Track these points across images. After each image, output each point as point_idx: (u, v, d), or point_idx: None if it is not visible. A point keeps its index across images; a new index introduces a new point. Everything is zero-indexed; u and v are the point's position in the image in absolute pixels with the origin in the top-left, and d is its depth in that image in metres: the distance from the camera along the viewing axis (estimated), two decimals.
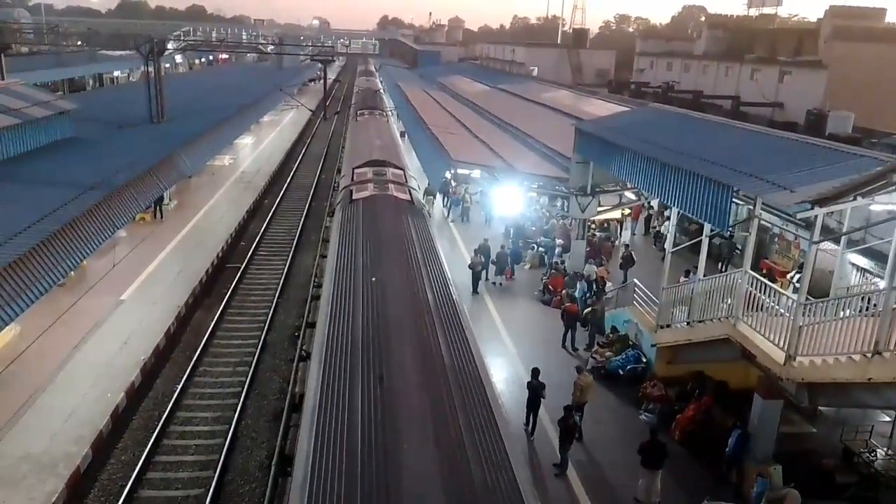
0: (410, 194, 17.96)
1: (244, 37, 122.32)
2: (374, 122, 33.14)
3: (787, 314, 12.92)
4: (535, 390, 14.78)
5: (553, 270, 23.89)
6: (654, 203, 29.21)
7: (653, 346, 17.05)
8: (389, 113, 42.55)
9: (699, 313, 15.49)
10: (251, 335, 19.48)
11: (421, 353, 8.56)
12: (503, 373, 17.17)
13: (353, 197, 16.82)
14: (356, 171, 20.06)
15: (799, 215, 13.07)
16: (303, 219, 31.81)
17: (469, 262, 23.18)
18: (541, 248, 26.31)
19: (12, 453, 13.23)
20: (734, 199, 13.56)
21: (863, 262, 17.37)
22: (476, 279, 22.82)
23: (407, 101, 48.09)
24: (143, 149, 23.71)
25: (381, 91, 58.51)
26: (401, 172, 20.51)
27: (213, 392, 16.44)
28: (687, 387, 15.82)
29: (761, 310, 13.80)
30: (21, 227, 14.08)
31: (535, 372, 14.99)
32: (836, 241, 16.00)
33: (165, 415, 15.04)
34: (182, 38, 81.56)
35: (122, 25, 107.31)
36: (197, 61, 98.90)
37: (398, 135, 35.50)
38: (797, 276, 20.72)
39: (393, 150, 25.37)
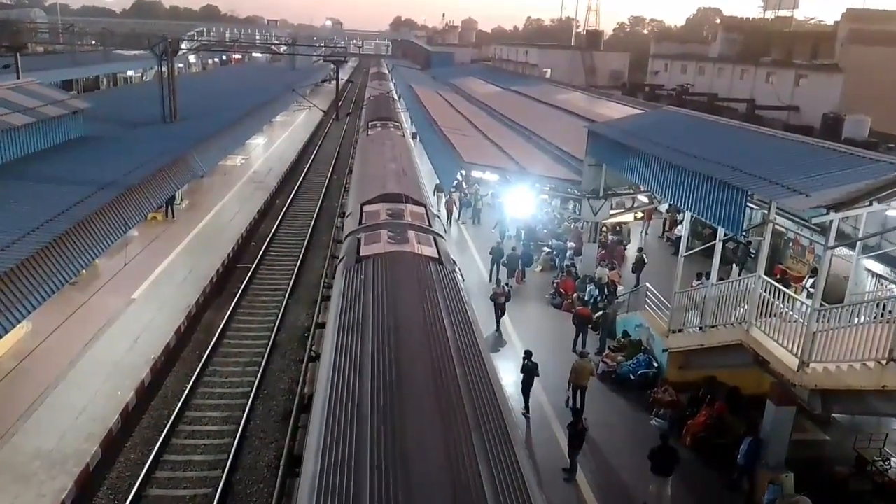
0: (436, 245, 13.45)
1: (257, 37, 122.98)
2: (389, 138, 27.60)
3: (801, 320, 12.77)
4: (530, 371, 15.73)
5: (564, 273, 23.77)
6: (663, 208, 29.05)
7: (664, 350, 16.91)
8: (406, 125, 37.19)
9: (712, 318, 15.35)
10: (261, 335, 19.51)
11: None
12: (512, 376, 17.06)
13: (362, 252, 12.53)
14: (366, 209, 15.82)
15: (814, 220, 12.94)
16: (314, 219, 31.85)
17: (491, 292, 20.50)
18: (552, 251, 26.20)
19: (24, 450, 13.30)
20: (748, 203, 13.43)
21: (878, 268, 17.19)
22: (500, 312, 20.17)
23: (419, 103, 48.06)
24: (156, 148, 23.80)
25: (396, 97, 52.92)
26: (422, 211, 16.21)
27: (222, 392, 16.47)
28: (699, 392, 15.68)
29: (775, 315, 13.67)
30: (34, 225, 14.15)
31: (529, 353, 15.99)
32: (852, 247, 15.82)
33: (175, 414, 15.08)
34: (196, 38, 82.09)
35: (136, 25, 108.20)
36: (210, 61, 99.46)
37: (415, 153, 29.96)
38: (811, 280, 20.56)
39: (412, 178, 20.56)
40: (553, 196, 26.39)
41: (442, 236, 15.11)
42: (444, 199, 31.33)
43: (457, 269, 13.14)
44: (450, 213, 30.66)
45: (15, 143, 20.63)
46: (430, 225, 15.11)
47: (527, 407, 15.66)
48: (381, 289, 10.62)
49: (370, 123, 31.78)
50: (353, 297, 10.56)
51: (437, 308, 10.03)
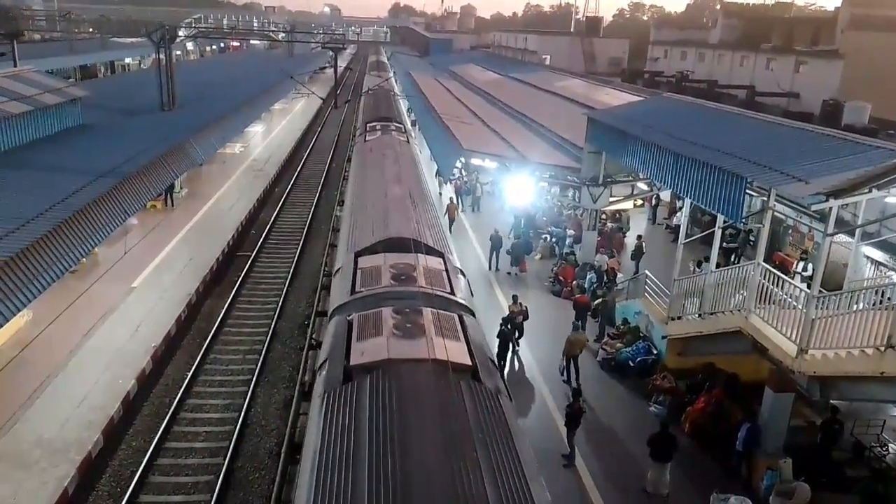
0: (465, 335, 8.86)
1: (255, 24, 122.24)
2: (391, 148, 21.64)
3: (800, 307, 12.81)
4: (506, 336, 16.84)
5: (563, 261, 23.81)
6: (664, 196, 29.04)
7: (663, 337, 16.97)
8: (409, 126, 30.40)
9: (711, 305, 15.39)
10: (261, 323, 19.54)
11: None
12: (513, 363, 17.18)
13: (352, 358, 8.19)
14: (361, 264, 11.31)
15: (813, 207, 12.93)
16: (313, 207, 31.82)
17: (506, 313, 18.40)
18: (552, 239, 26.23)
19: (26, 438, 13.36)
20: (748, 191, 13.42)
21: (877, 254, 17.20)
22: (517, 332, 18.06)
23: (418, 90, 47.89)
24: (154, 136, 23.74)
25: (398, 93, 45.95)
26: (441, 266, 11.44)
27: (223, 380, 16.51)
28: (697, 379, 15.74)
29: (774, 302, 13.70)
30: (33, 214, 14.14)
31: (505, 320, 17.23)
32: (851, 234, 15.83)
33: (176, 401, 15.13)
34: (193, 25, 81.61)
35: (133, 12, 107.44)
36: (208, 48, 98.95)
37: (423, 167, 23.41)
38: (800, 264, 20.61)
39: (425, 208, 15.25)
40: (552, 183, 26.38)
41: (472, 311, 10.40)
42: (445, 186, 31.01)
43: (502, 386, 8.29)
44: (452, 220, 27.62)
45: (13, 132, 20.56)
46: (452, 291, 10.51)
47: (501, 372, 15.88)
48: (382, 446, 6.34)
49: (368, 125, 26.55)
50: (336, 461, 6.32)
51: (479, 484, 5.87)
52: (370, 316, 9.03)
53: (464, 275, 12.10)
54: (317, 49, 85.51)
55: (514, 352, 17.73)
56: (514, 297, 18.80)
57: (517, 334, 18.03)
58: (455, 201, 30.70)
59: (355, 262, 11.35)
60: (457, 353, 8.19)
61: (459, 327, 9.02)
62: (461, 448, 6.31)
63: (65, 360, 16.32)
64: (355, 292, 10.20)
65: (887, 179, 11.85)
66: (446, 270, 11.25)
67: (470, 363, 8.14)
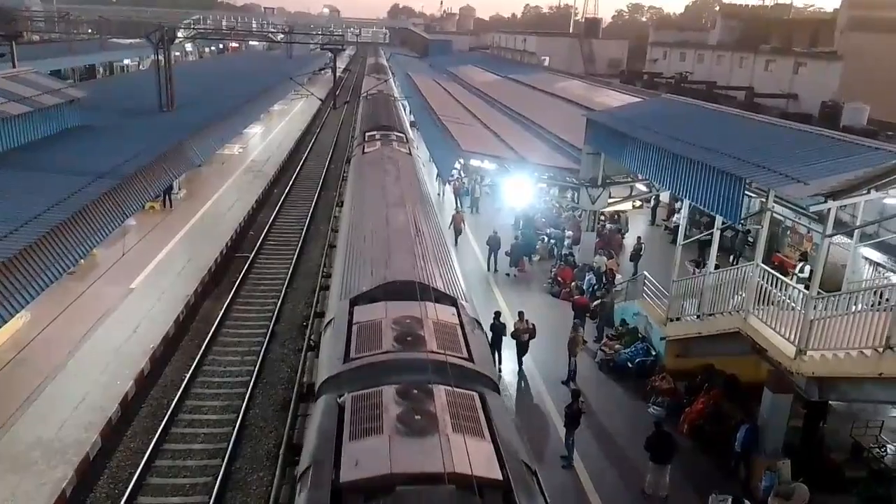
0: (494, 438, 6.75)
1: (254, 25, 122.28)
2: (392, 162, 19.07)
3: (799, 308, 12.81)
4: (498, 330, 16.84)
5: (562, 262, 23.81)
6: (664, 197, 29.04)
7: (662, 339, 16.95)
8: (411, 136, 27.48)
9: (709, 306, 15.39)
10: (260, 324, 19.52)
11: None
12: (512, 364, 17.16)
13: (342, 475, 6.15)
14: (357, 315, 9.33)
15: (812, 208, 12.93)
16: (312, 208, 31.82)
17: (513, 328, 17.32)
18: (551, 240, 26.24)
19: (23, 439, 13.33)
20: (747, 192, 13.43)
21: (876, 256, 17.21)
22: (522, 351, 17.19)
23: (417, 91, 47.90)
24: (153, 137, 23.72)
25: (398, 97, 43.08)
26: (454, 319, 9.42)
27: (221, 381, 16.49)
28: (696, 380, 15.74)
29: (772, 303, 13.70)
30: (32, 216, 14.12)
31: (497, 314, 17.17)
32: (850, 235, 15.84)
33: (174, 403, 15.11)
34: (192, 26, 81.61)
35: (132, 13, 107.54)
36: (207, 49, 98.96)
37: (426, 181, 20.47)
38: (800, 265, 20.60)
39: (431, 243, 12.62)
40: (551, 185, 26.39)
41: (495, 383, 8.41)
42: (443, 189, 31.00)
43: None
44: (459, 232, 26.14)
45: (11, 133, 20.55)
46: (469, 355, 8.44)
47: (498, 365, 16.26)
48: None
49: (366, 135, 23.94)
50: None
51: None
52: (367, 398, 7.15)
53: (480, 326, 10.09)
54: (315, 50, 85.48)
55: (519, 371, 17.01)
56: (520, 314, 17.33)
57: (523, 351, 17.07)
58: (455, 203, 30.74)
59: (350, 314, 9.37)
60: (482, 460, 6.21)
61: (482, 414, 7.05)
62: None
63: (63, 361, 16.29)
64: (349, 359, 8.21)
65: (886, 181, 11.86)
66: (460, 324, 9.28)
67: (500, 477, 6.09)
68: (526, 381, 16.84)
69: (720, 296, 15.15)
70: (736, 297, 14.63)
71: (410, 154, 21.82)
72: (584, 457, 13.72)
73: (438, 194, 31.32)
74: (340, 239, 14.49)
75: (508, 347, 17.19)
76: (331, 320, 9.89)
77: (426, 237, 12.67)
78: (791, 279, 17.19)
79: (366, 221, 13.80)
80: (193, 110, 31.30)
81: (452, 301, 10.02)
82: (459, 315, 9.56)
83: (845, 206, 13.43)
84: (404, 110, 41.14)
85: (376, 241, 12.25)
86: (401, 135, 24.42)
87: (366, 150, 21.38)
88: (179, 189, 31.02)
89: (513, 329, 17.18)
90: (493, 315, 17.00)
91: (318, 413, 7.47)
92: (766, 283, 13.75)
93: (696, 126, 18.24)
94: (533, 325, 17.14)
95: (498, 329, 16.97)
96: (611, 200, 23.31)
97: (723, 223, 15.70)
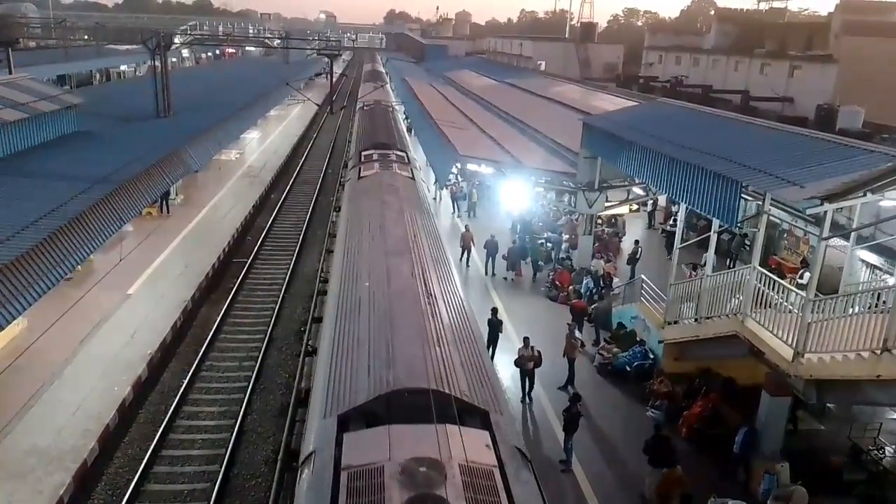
0: None
1: (251, 31, 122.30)
2: (393, 192, 15.90)
3: (796, 311, 12.83)
4: (495, 326, 17.19)
5: (560, 266, 23.82)
6: (661, 200, 29.09)
7: (660, 342, 16.97)
8: (413, 155, 24.13)
9: (707, 310, 15.40)
10: (257, 330, 19.49)
11: None
12: (510, 368, 17.12)
13: None
14: (348, 451, 6.14)
15: (808, 211, 12.95)
16: (309, 213, 31.80)
17: (517, 355, 16.17)
18: (548, 244, 26.25)
19: (20, 446, 13.28)
20: (743, 195, 13.46)
21: (872, 258, 17.24)
22: (526, 379, 16.03)
23: (414, 96, 47.91)
24: (150, 143, 23.72)
25: (396, 107, 39.88)
26: (490, 460, 6.05)
27: (219, 387, 16.46)
28: (694, 383, 15.76)
29: (770, 306, 13.72)
30: (28, 222, 14.12)
31: (494, 311, 17.72)
32: (846, 238, 15.87)
33: (172, 409, 15.07)
34: (189, 32, 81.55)
35: (129, 20, 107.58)
36: (203, 56, 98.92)
37: (433, 212, 18.10)
38: (801, 272, 20.62)
39: (450, 318, 9.31)
40: (548, 189, 26.42)
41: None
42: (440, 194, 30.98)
43: None
44: (467, 249, 24.71)
45: (8, 139, 20.55)
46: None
47: (492, 357, 16.23)
48: None
49: (363, 154, 20.89)
50: None
51: None
52: None
53: (527, 457, 6.67)
54: (312, 56, 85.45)
55: (528, 398, 16.00)
56: (525, 340, 16.07)
57: (529, 381, 15.96)
58: (452, 207, 30.73)
59: (338, 446, 6.27)
60: None
61: None
62: None
63: (60, 367, 16.25)
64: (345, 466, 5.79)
65: (882, 183, 11.87)
66: (499, 464, 6.04)
67: None
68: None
69: (717, 299, 15.18)
70: (733, 300, 14.65)
71: (413, 178, 18.68)
72: (582, 461, 13.70)
73: (435, 199, 31.29)
74: (326, 316, 10.48)
75: (506, 351, 17.20)
76: (309, 455, 6.58)
77: (440, 306, 9.33)
78: (791, 285, 17.26)
79: (360, 287, 10.13)
80: (190, 116, 31.30)
81: (484, 418, 6.88)
82: (496, 445, 6.35)
83: (842, 208, 13.48)
84: (401, 114, 40.54)
85: (377, 322, 8.72)
86: (401, 153, 21.42)
87: (361, 174, 18.40)
88: (176, 194, 30.99)
89: (517, 356, 16.01)
90: (490, 311, 17.42)
91: None
92: (763, 285, 13.78)
93: (692, 130, 18.29)
94: (539, 352, 15.85)
95: (494, 325, 17.27)
96: (608, 204, 23.32)
97: (720, 226, 15.72)
